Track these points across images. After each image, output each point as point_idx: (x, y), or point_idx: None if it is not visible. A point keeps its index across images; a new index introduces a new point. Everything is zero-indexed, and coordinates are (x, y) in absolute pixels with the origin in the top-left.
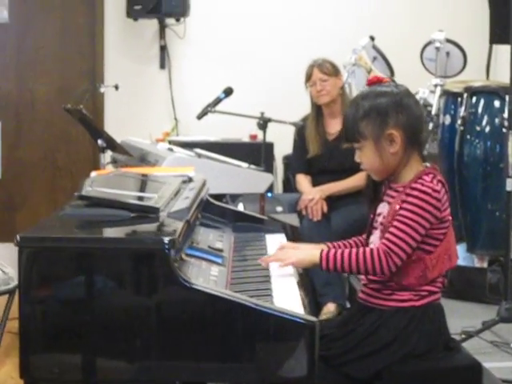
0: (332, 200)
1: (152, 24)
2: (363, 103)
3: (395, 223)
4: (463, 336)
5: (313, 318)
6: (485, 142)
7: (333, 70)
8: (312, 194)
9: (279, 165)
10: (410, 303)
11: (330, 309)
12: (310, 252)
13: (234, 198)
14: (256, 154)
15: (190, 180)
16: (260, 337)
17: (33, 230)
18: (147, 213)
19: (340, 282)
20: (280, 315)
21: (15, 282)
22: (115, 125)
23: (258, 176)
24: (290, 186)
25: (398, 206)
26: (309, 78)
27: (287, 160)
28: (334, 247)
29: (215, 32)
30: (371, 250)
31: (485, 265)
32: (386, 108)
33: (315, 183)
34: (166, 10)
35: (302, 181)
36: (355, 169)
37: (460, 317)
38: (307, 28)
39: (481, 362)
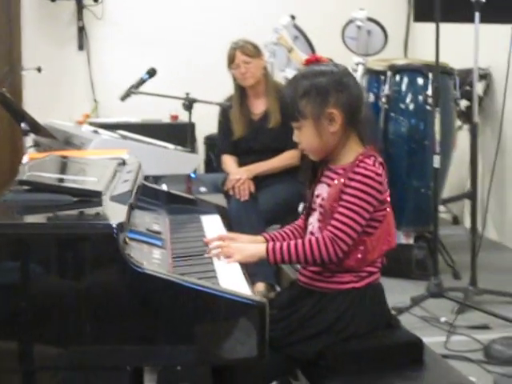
0: (258, 180)
1: (69, 5)
2: (303, 82)
3: (339, 209)
4: (394, 312)
5: (262, 299)
6: (409, 119)
7: (255, 52)
8: (239, 173)
9: (200, 145)
10: (350, 285)
11: (259, 288)
12: (256, 247)
13: (157, 179)
14: (177, 134)
15: (124, 163)
16: (210, 320)
17: None
18: (90, 197)
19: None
20: (230, 297)
21: None
22: (34, 107)
23: (185, 157)
24: (212, 166)
25: (338, 191)
26: (231, 60)
27: (209, 140)
28: (273, 239)
29: (134, 12)
30: (317, 238)
31: (411, 241)
32: (327, 87)
33: (241, 163)
34: None
35: (228, 161)
36: (280, 149)
37: (388, 293)
38: (228, 7)
39: (421, 338)
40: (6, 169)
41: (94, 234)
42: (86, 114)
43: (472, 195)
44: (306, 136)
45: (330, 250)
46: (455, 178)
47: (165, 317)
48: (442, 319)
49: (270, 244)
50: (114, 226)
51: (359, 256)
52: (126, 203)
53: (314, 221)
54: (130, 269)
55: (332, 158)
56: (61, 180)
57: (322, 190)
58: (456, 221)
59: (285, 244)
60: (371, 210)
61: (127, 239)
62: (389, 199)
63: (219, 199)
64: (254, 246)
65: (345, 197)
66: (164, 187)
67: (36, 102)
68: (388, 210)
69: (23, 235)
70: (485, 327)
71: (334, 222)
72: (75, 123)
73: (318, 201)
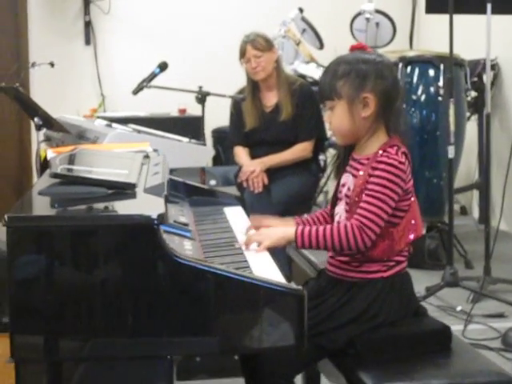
0: (271, 172)
1: (76, 0)
2: (344, 65)
3: (365, 198)
4: None
5: (299, 288)
6: (421, 110)
7: (266, 45)
8: (253, 166)
9: (208, 138)
10: (378, 274)
11: None
12: (284, 230)
13: (169, 172)
14: (186, 127)
15: (148, 156)
16: (251, 308)
17: (18, 209)
18: (124, 189)
19: (283, 253)
20: (270, 286)
21: None
22: (42, 102)
23: (198, 150)
24: (220, 159)
25: (363, 181)
26: (243, 54)
27: (216, 133)
28: (304, 223)
29: (140, 7)
30: (345, 225)
31: (423, 231)
32: (366, 72)
33: (253, 155)
34: None
35: (241, 153)
36: (291, 141)
37: None
38: (236, 0)
39: (449, 326)
40: (14, 164)
41: (134, 226)
42: (94, 109)
43: (482, 185)
44: (337, 117)
45: (357, 239)
46: (463, 169)
47: (207, 307)
48: (458, 308)
49: (300, 228)
50: (155, 217)
51: (386, 246)
52: (160, 195)
53: (340, 210)
54: (171, 260)
55: (358, 146)
56: (93, 173)
57: (347, 180)
58: (464, 211)
59: (314, 229)
60: (396, 198)
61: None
62: (413, 188)
63: (231, 192)
64: (282, 230)
65: (369, 186)
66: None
67: (43, 96)
68: (412, 199)
69: (63, 227)
70: (501, 315)
71: (360, 211)
72: (83, 117)
73: (344, 190)
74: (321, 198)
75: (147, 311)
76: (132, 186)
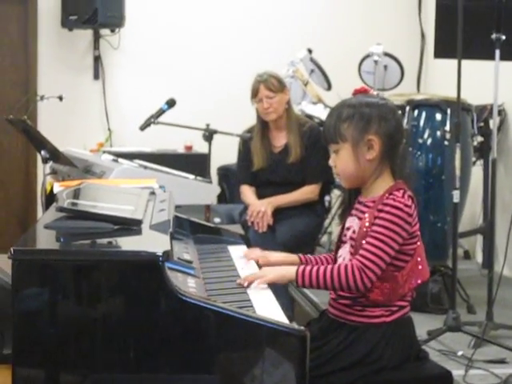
0: (276, 212)
1: (86, 34)
2: (348, 109)
3: (368, 239)
4: None
5: (302, 328)
6: (427, 154)
7: (279, 86)
8: (263, 206)
9: (213, 176)
10: (381, 319)
11: None
12: (287, 269)
13: (174, 209)
14: (192, 164)
15: (154, 192)
16: (253, 349)
17: (23, 242)
18: (130, 225)
19: (286, 292)
20: (273, 326)
21: None
22: (49, 135)
23: (205, 187)
24: (225, 197)
25: (368, 223)
26: (255, 94)
27: (222, 171)
28: (307, 261)
29: (150, 43)
30: (346, 266)
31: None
32: (370, 115)
33: (259, 195)
34: (101, 20)
35: (248, 192)
36: (298, 182)
37: None
38: (245, 39)
39: (451, 371)
40: (20, 196)
41: (139, 262)
42: (100, 143)
43: (486, 230)
44: (342, 159)
45: (357, 279)
46: (468, 213)
47: (209, 345)
48: (460, 353)
49: (301, 267)
50: (160, 254)
51: (390, 290)
52: (166, 232)
53: (344, 253)
54: (175, 297)
55: (364, 189)
56: (99, 208)
57: (353, 223)
58: (467, 255)
59: (314, 268)
60: (400, 241)
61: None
62: (419, 233)
63: (235, 230)
64: (284, 268)
65: (374, 227)
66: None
67: (51, 129)
68: (419, 243)
69: (69, 262)
70: (502, 361)
71: (362, 252)
72: (89, 152)
73: (349, 233)
74: (324, 239)
75: (149, 348)
76: (138, 223)
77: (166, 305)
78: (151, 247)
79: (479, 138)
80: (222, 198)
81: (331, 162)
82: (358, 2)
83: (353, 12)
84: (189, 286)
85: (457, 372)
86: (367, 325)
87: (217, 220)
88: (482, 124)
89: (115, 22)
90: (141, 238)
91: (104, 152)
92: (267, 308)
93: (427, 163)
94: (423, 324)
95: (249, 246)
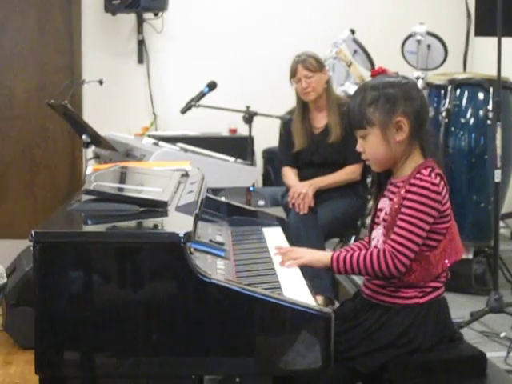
0: (317, 194)
1: (130, 19)
2: (372, 92)
3: (398, 222)
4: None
5: (328, 309)
6: (469, 134)
7: (317, 66)
8: (304, 187)
9: (259, 158)
10: (414, 300)
11: (318, 301)
12: (323, 253)
13: (216, 192)
14: (236, 147)
15: (187, 174)
16: (276, 329)
17: (46, 224)
18: (155, 207)
19: (328, 275)
20: (296, 307)
21: (5, 279)
22: (94, 120)
23: (245, 170)
24: (270, 179)
25: (398, 204)
26: (294, 74)
27: (267, 154)
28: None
29: (193, 27)
30: (378, 251)
31: (470, 256)
32: (395, 96)
33: (301, 176)
34: (144, 4)
35: (289, 174)
36: (340, 163)
37: None
38: (287, 21)
39: (485, 353)
40: (66, 180)
41: (161, 244)
42: (145, 127)
43: None
44: (371, 144)
45: (389, 264)
46: None
47: (231, 327)
48: (502, 334)
49: (336, 253)
50: (181, 235)
51: (423, 270)
52: (191, 214)
53: (377, 235)
54: (197, 278)
55: (394, 170)
56: (126, 190)
57: (385, 204)
58: None
59: (348, 255)
60: (431, 221)
61: (192, 249)
62: (451, 211)
63: (278, 212)
64: (320, 253)
65: (403, 209)
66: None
67: (95, 114)
68: (451, 222)
69: (89, 243)
70: None
71: (393, 236)
72: (134, 136)
73: (382, 215)
74: (369, 220)
75: (172, 329)
76: (164, 204)
77: (188, 286)
78: (174, 228)
79: None
80: (267, 181)
81: (359, 148)
82: None
83: None
84: (217, 267)
85: (498, 354)
86: (400, 306)
87: (261, 202)
88: None
89: (158, 5)
90: (165, 220)
91: (149, 136)
92: (295, 289)
93: (470, 143)
94: (467, 305)
95: (287, 227)
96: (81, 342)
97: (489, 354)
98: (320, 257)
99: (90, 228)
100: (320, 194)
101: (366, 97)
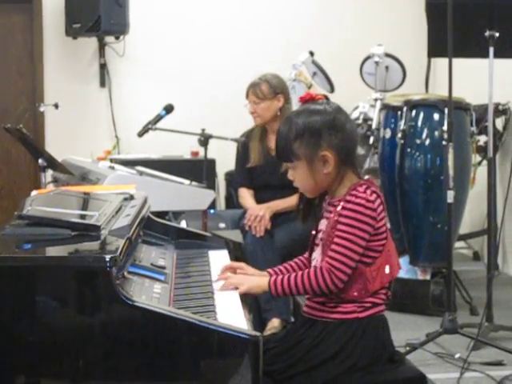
0: (275, 216)
1: (91, 42)
2: (296, 122)
3: (335, 239)
4: (407, 348)
5: (256, 333)
6: (425, 154)
7: (268, 93)
8: (261, 210)
9: (221, 181)
10: (353, 315)
11: (274, 324)
12: (259, 279)
13: (177, 215)
14: (198, 170)
15: (132, 197)
16: (204, 354)
17: None
18: (88, 231)
19: (284, 297)
20: (223, 331)
21: None
22: (56, 144)
23: (200, 193)
24: (232, 202)
25: (334, 221)
26: (246, 96)
27: (229, 176)
28: (277, 273)
29: (154, 49)
30: (315, 269)
31: (428, 277)
32: (320, 129)
33: (258, 198)
34: (105, 28)
35: (246, 195)
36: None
37: (404, 329)
38: (247, 43)
39: (425, 374)
40: None
41: (87, 268)
42: (108, 151)
43: (488, 231)
44: (300, 176)
45: (327, 281)
46: (476, 214)
47: (157, 351)
48: (457, 355)
49: (273, 277)
50: (108, 259)
51: (360, 286)
52: (124, 237)
53: (317, 255)
54: (121, 301)
55: (330, 192)
56: (60, 214)
57: (323, 225)
58: (477, 257)
59: (285, 277)
60: (366, 237)
61: (126, 273)
62: (386, 228)
63: (237, 235)
64: (257, 278)
65: (339, 226)
66: (183, 223)
67: (58, 138)
68: (387, 239)
69: (18, 268)
70: (499, 364)
71: (330, 253)
72: (96, 159)
73: (320, 235)
74: None
75: (99, 355)
76: (96, 228)
77: (113, 310)
78: (102, 252)
79: (485, 138)
80: (229, 203)
81: (290, 176)
82: (359, 3)
83: (354, 13)
84: (154, 291)
85: (452, 375)
86: (339, 321)
87: (222, 225)
88: (487, 123)
89: (119, 29)
90: (95, 244)
91: (111, 159)
92: (230, 313)
93: (426, 164)
94: (424, 326)
95: (233, 251)
96: (5, 369)
97: (443, 375)
98: (258, 282)
99: (16, 253)
100: (277, 217)
101: (292, 129)
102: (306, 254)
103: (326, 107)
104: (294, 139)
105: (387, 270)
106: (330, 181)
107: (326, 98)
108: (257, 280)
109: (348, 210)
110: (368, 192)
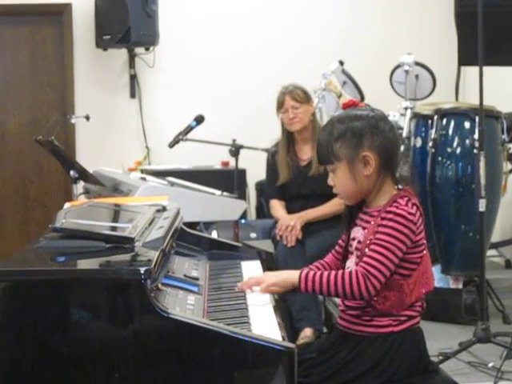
0: (306, 225)
1: (121, 53)
2: (338, 125)
3: (372, 246)
4: (440, 357)
5: (291, 345)
6: (456, 163)
7: (304, 97)
8: (293, 220)
9: (252, 191)
10: (389, 329)
11: (307, 333)
12: (289, 273)
13: (208, 225)
14: (228, 180)
15: (164, 209)
16: (239, 365)
17: (8, 263)
18: (122, 243)
19: (316, 306)
20: (258, 342)
21: None
22: (87, 155)
23: (232, 203)
24: (263, 211)
25: (372, 232)
26: (281, 105)
27: (260, 186)
28: (312, 269)
29: (184, 60)
30: (350, 272)
31: (460, 286)
32: (362, 130)
33: (289, 209)
34: (134, 39)
35: (277, 206)
36: (327, 194)
37: (437, 338)
38: (277, 54)
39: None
40: None
41: (122, 280)
42: (138, 161)
43: None
44: (340, 179)
45: (361, 286)
46: (507, 222)
47: (191, 363)
48: (490, 364)
49: (304, 271)
50: (142, 271)
51: (396, 299)
52: (157, 249)
53: (351, 264)
54: (156, 314)
55: (368, 201)
56: (94, 227)
57: (358, 233)
58: (509, 265)
59: (318, 273)
60: (404, 249)
61: (160, 285)
62: (425, 241)
63: (268, 245)
64: (286, 272)
65: (377, 235)
66: (214, 233)
67: (88, 149)
68: (425, 252)
69: (53, 281)
70: None
71: (366, 259)
72: (127, 170)
73: (355, 244)
74: None
75: (133, 367)
76: (130, 241)
77: (148, 322)
78: (136, 265)
79: None
80: (260, 213)
81: (330, 182)
82: (389, 12)
83: (383, 22)
84: (188, 302)
85: None
86: (375, 335)
87: (253, 235)
88: None
89: (149, 40)
90: (129, 256)
91: (142, 170)
92: (264, 324)
93: (457, 172)
94: (456, 336)
95: (270, 261)
96: (41, 381)
97: None
98: (287, 276)
99: (51, 266)
100: (308, 226)
101: (333, 131)
102: (329, 257)
103: (368, 112)
104: (336, 140)
105: (424, 282)
106: (370, 185)
107: (368, 105)
108: (284, 274)
109: (388, 220)
110: (409, 204)
